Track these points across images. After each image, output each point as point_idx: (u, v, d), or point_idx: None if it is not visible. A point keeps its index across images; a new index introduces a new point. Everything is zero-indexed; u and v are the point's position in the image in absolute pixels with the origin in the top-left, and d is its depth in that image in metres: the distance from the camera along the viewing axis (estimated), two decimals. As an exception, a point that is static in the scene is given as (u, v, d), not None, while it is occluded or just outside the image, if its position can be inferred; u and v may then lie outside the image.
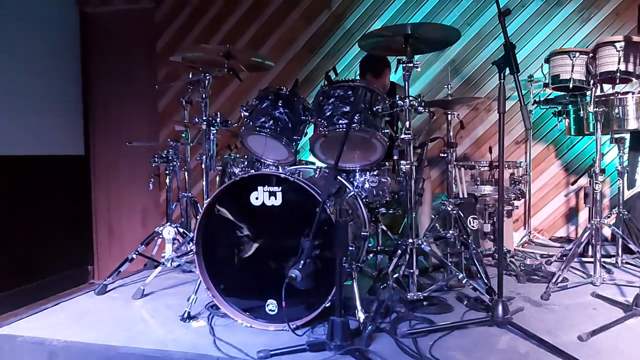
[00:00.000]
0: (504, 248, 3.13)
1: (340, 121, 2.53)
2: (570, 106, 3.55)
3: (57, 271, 4.87)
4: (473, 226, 3.20)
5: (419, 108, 2.57)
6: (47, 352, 2.16)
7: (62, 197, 5.04)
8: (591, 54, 2.98)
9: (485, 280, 2.69)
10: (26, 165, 4.64)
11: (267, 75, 4.73)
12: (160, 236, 3.26)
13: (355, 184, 2.78)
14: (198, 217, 2.45)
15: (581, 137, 4.09)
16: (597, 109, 2.88)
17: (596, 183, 2.91)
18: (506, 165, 3.41)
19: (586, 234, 2.95)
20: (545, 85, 3.33)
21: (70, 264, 5.11)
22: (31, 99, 4.70)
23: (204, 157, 2.88)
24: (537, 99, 3.93)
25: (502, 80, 2.18)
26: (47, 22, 4.90)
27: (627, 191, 3.48)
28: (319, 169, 2.81)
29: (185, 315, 2.42)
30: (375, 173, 2.78)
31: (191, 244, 2.94)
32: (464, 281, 2.59)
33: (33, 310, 2.65)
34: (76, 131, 5.26)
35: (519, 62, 2.18)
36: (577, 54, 2.99)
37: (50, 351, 2.16)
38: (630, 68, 2.84)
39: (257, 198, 2.32)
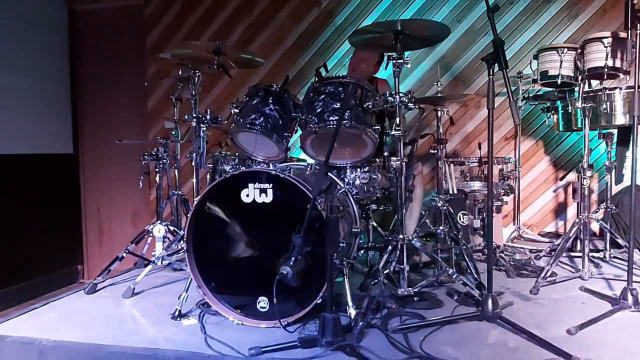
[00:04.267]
0: (494, 243, 3.16)
1: (331, 118, 2.53)
2: (558, 102, 3.57)
3: (46, 271, 4.83)
4: (463, 222, 3.21)
5: (409, 104, 2.58)
6: (37, 351, 2.15)
7: (50, 195, 5.00)
8: (579, 50, 2.99)
9: (475, 276, 2.71)
10: (14, 164, 4.59)
11: (257, 72, 4.72)
12: (151, 234, 3.24)
13: (346, 180, 2.78)
14: (188, 215, 2.44)
15: (570, 132, 4.12)
16: (585, 105, 2.91)
17: (584, 178, 2.94)
18: (495, 161, 3.42)
19: (575, 229, 2.98)
20: (534, 81, 3.34)
21: (60, 264, 5.07)
22: (18, 97, 4.65)
23: (194, 154, 2.87)
24: (526, 95, 3.95)
25: (491, 77, 2.20)
26: (34, 20, 4.85)
27: (615, 186, 3.51)
28: (309, 166, 2.81)
29: (176, 313, 2.42)
30: (365, 170, 2.78)
31: (182, 242, 2.92)
32: (454, 277, 2.61)
33: (22, 310, 2.62)
34: (65, 129, 5.22)
35: (508, 58, 2.20)
36: (566, 50, 3.01)
37: (40, 351, 2.15)
38: (618, 64, 2.86)
39: (247, 195, 2.31)
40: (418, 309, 2.43)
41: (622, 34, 2.80)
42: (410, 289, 2.53)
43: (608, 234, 3.22)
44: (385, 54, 3.47)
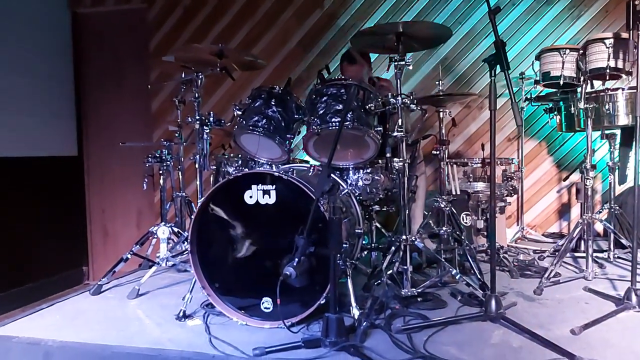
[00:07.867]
0: (497, 244, 3.16)
1: (333, 119, 2.54)
2: (561, 103, 3.57)
3: (51, 272, 4.85)
4: (466, 223, 3.22)
5: (411, 106, 2.59)
6: (43, 352, 2.16)
7: (55, 198, 5.02)
8: (581, 51, 3.00)
9: (479, 276, 2.71)
10: (19, 166, 4.61)
11: (260, 74, 4.73)
12: (155, 236, 3.26)
13: (349, 181, 2.79)
14: (192, 216, 2.45)
15: (572, 133, 4.12)
16: (588, 106, 2.91)
17: (588, 179, 2.94)
18: (498, 162, 3.43)
19: (578, 229, 2.98)
20: (536, 82, 3.35)
21: (65, 265, 5.09)
22: (23, 100, 4.68)
23: (198, 156, 2.88)
24: (529, 96, 3.95)
25: (493, 78, 2.20)
26: (38, 23, 4.88)
27: (618, 186, 3.50)
28: (312, 167, 2.82)
29: (181, 314, 2.43)
30: (368, 171, 2.79)
31: (186, 243, 2.94)
32: (457, 277, 2.61)
33: (28, 311, 2.64)
34: (69, 132, 5.24)
35: (510, 59, 2.20)
36: (568, 50, 3.01)
37: (46, 351, 2.16)
38: (620, 64, 2.86)
39: (251, 197, 2.33)
40: (421, 309, 2.43)
41: (624, 35, 2.81)
42: (413, 289, 2.54)
43: (612, 234, 3.22)
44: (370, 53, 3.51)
